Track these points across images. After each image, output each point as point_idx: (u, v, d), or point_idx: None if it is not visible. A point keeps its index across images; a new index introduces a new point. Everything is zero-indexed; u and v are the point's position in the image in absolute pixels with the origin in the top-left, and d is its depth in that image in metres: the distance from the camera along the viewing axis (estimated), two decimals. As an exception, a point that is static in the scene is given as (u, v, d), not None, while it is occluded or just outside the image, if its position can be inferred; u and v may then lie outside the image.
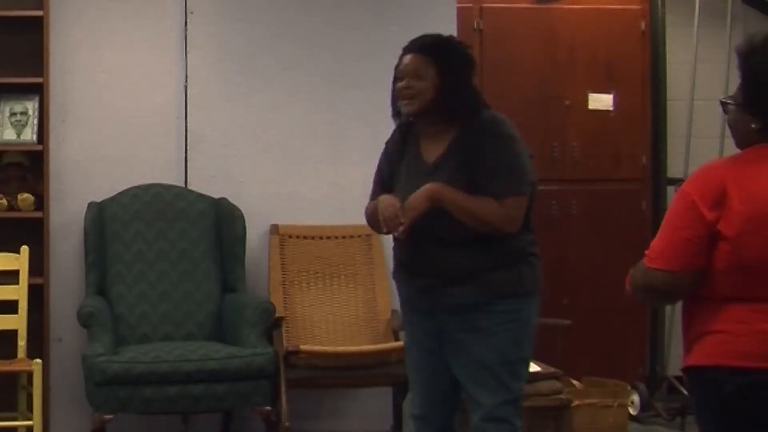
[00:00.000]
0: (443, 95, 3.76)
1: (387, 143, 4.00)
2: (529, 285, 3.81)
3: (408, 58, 3.81)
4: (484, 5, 6.63)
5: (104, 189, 5.62)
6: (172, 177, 5.74)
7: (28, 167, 5.62)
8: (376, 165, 4.04)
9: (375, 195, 3.96)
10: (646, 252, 2.98)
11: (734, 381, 2.86)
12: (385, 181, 3.96)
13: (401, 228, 3.70)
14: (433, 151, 3.82)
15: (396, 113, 3.91)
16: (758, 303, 2.87)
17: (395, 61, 6.30)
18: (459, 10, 6.00)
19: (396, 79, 3.85)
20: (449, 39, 3.92)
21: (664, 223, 3.01)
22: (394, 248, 3.93)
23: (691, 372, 2.98)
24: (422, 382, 3.94)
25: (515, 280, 3.77)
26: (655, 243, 2.99)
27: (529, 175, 3.75)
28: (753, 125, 2.94)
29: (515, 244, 3.78)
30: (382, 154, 4.02)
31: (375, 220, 3.86)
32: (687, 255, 2.90)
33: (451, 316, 3.79)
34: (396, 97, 3.86)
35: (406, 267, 3.87)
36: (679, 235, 2.94)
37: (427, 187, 3.70)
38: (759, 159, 2.94)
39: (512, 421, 3.78)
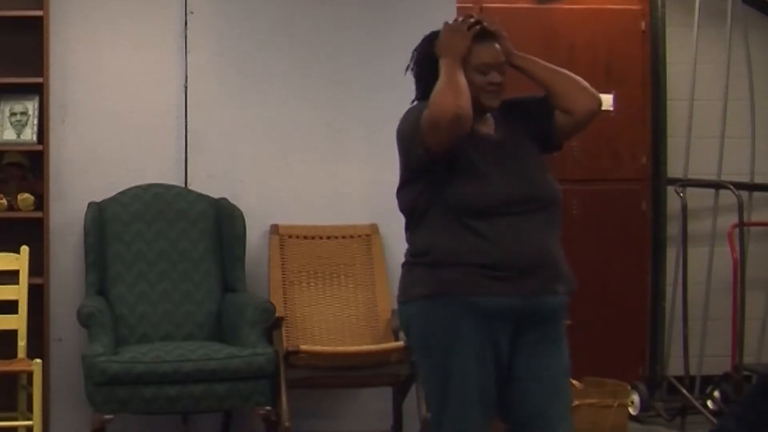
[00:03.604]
0: None
1: None
2: None
3: (494, 48, 3.44)
4: (484, 5, 6.63)
5: (104, 189, 5.62)
6: (172, 177, 5.74)
7: (28, 167, 5.62)
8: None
9: None
10: None
11: None
12: None
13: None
14: (485, 128, 3.47)
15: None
16: None
17: (395, 61, 6.27)
18: (459, 10, 6.00)
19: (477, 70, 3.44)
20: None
21: None
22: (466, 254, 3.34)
23: None
24: (482, 405, 3.38)
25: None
26: None
27: None
28: None
29: None
30: None
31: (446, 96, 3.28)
32: None
33: (537, 325, 3.39)
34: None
35: (507, 267, 3.32)
36: None
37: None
38: None
39: None
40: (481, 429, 3.37)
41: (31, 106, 5.61)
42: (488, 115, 3.52)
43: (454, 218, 3.36)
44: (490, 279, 3.31)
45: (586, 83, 3.51)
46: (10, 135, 5.61)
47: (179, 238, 5.60)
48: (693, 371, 6.37)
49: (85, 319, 5.16)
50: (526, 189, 3.40)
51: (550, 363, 3.41)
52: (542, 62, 3.53)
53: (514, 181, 3.39)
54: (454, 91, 3.29)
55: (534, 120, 3.53)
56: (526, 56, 3.51)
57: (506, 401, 3.42)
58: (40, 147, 5.57)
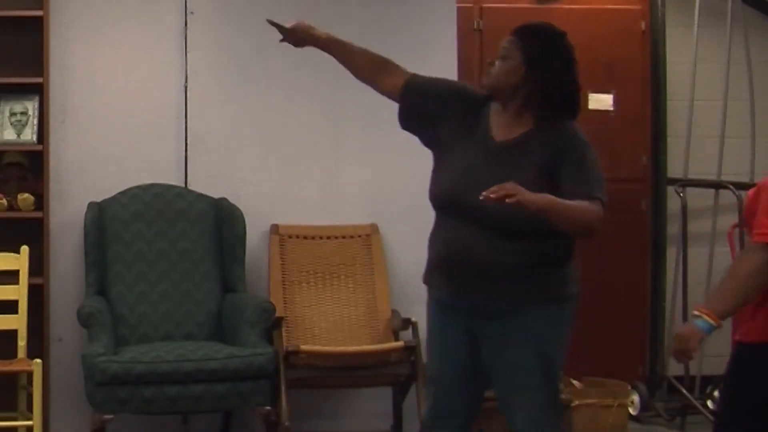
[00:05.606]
0: (531, 84, 3.53)
1: (465, 90, 3.73)
2: None
3: (505, 39, 3.65)
4: (484, 5, 6.63)
5: (104, 189, 5.62)
6: (172, 177, 5.74)
7: (28, 167, 5.62)
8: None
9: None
10: (756, 231, 3.34)
11: None
12: (426, 89, 3.80)
13: (496, 195, 3.24)
14: (501, 131, 3.56)
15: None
16: None
17: (395, 61, 6.27)
18: (459, 10, 6.00)
19: None
20: (548, 28, 3.74)
21: None
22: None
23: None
24: (445, 385, 3.72)
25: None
26: (764, 220, 3.32)
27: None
28: None
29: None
30: (448, 85, 3.79)
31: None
32: None
33: (488, 321, 3.59)
34: None
35: (439, 266, 3.62)
36: None
37: (549, 198, 3.33)
38: None
39: None
40: (444, 405, 3.63)
41: (31, 106, 5.61)
42: (528, 122, 3.55)
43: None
44: (433, 272, 3.61)
45: (590, 226, 3.44)
46: (10, 135, 5.61)
47: (179, 238, 5.59)
48: (693, 371, 6.37)
49: (85, 319, 5.16)
50: (462, 195, 3.46)
51: (505, 357, 3.54)
52: (554, 211, 3.35)
53: (459, 184, 3.49)
54: None
55: (555, 177, 3.48)
56: (539, 205, 3.32)
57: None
58: (40, 147, 5.57)
